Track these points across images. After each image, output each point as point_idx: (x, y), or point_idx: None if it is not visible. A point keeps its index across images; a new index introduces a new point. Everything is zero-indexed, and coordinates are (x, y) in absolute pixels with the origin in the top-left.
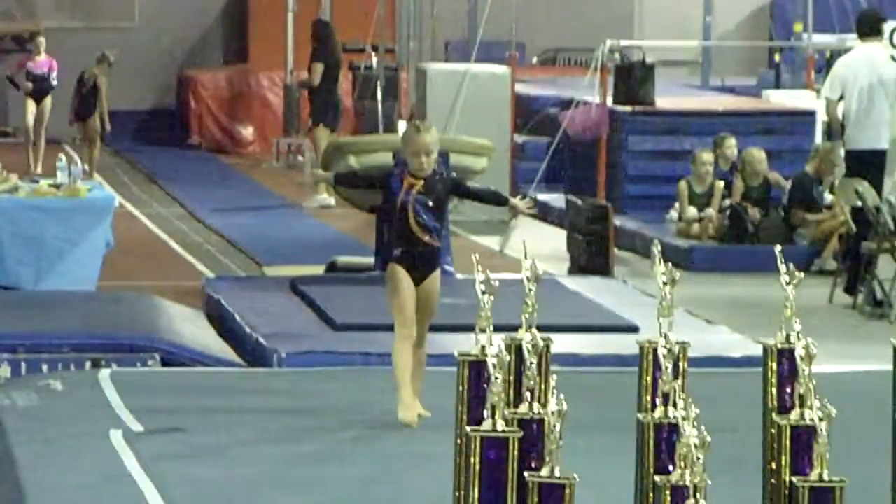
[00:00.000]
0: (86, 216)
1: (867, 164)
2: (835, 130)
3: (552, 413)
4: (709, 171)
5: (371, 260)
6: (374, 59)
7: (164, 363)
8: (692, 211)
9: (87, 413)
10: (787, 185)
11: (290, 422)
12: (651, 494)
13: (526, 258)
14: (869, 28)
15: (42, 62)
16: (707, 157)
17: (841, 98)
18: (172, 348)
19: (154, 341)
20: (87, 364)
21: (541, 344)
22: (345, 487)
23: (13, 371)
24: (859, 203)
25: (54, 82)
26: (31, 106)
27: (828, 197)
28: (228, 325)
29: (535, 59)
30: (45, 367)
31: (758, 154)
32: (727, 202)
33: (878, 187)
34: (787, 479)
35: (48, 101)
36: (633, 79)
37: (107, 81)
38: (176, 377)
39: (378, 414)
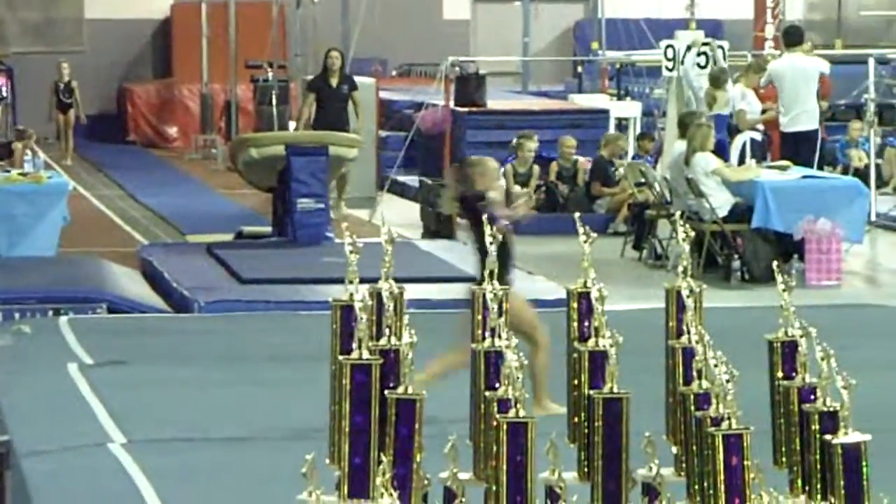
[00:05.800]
0: (47, 197)
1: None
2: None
3: (405, 344)
4: (530, 157)
5: (269, 229)
6: (270, 73)
7: (110, 311)
8: (517, 188)
9: (50, 350)
10: (588, 166)
11: (208, 354)
12: (483, 406)
13: (385, 225)
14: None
15: None
16: (532, 144)
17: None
18: (116, 299)
19: (102, 294)
20: (50, 312)
21: (396, 291)
22: (249, 400)
23: None
24: (643, 180)
25: (5, 95)
26: None
27: (621, 171)
28: (159, 281)
29: (394, 72)
30: (17, 315)
31: (568, 141)
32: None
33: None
34: (587, 392)
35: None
36: (469, 86)
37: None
38: (119, 321)
39: (274, 348)
